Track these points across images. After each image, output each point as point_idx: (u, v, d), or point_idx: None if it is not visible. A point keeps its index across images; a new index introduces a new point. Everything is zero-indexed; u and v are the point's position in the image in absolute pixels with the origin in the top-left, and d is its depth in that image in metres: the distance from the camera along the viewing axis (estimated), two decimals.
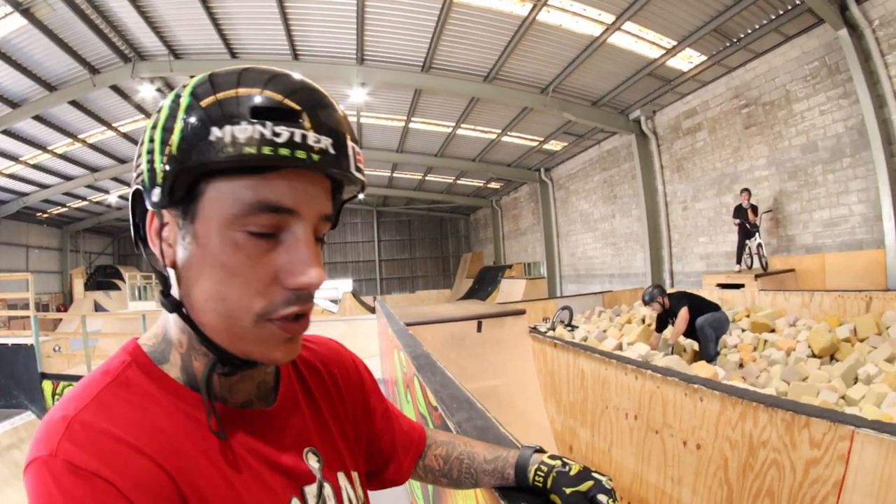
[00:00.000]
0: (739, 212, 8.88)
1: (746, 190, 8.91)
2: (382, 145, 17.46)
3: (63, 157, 16.29)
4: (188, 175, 0.54)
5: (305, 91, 0.57)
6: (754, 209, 8.77)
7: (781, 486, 2.11)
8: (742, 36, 8.82)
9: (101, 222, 26.35)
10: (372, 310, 12.61)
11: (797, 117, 8.69)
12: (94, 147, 15.87)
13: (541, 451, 0.87)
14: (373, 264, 32.12)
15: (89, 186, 19.72)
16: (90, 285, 25.35)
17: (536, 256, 21.02)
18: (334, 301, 20.81)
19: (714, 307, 5.91)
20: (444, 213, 31.55)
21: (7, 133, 13.43)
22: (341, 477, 0.72)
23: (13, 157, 15.65)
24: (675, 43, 9.35)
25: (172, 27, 10.16)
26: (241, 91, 0.55)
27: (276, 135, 0.52)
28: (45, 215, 23.48)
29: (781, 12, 8.06)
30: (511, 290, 18.26)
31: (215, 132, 0.52)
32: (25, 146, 14.87)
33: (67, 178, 18.41)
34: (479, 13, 9.16)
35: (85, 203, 23.03)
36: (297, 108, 0.54)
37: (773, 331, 6.38)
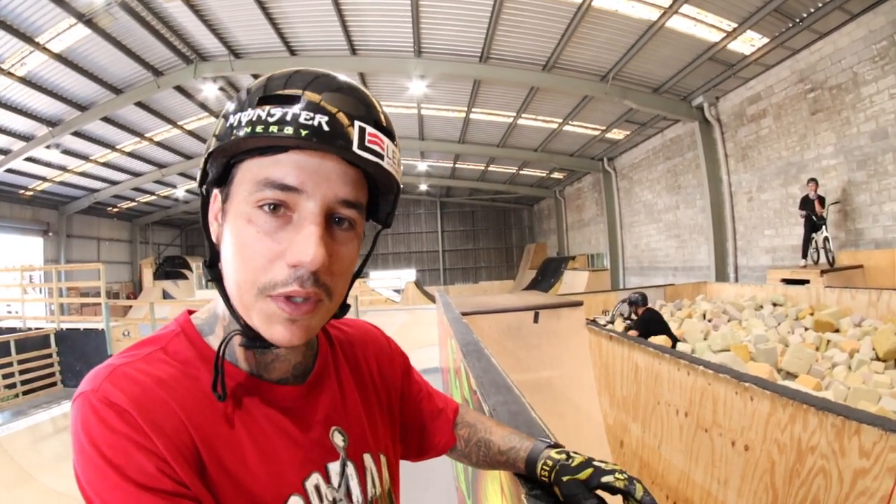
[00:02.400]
0: (806, 203, 8.41)
1: (813, 180, 8.41)
2: (444, 136, 17.55)
3: (131, 154, 17.20)
4: (218, 156, 0.62)
5: (317, 78, 0.62)
6: (821, 200, 8.29)
7: (827, 496, 2.00)
8: (805, 15, 8.31)
9: (169, 215, 27.68)
10: (434, 300, 12.80)
11: (865, 102, 8.10)
12: (160, 144, 16.70)
13: (556, 446, 0.87)
14: (436, 255, 32.39)
15: (157, 182, 20.73)
16: (159, 275, 26.63)
17: (600, 248, 20.65)
18: (397, 291, 21.12)
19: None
20: (507, 203, 31.42)
21: (77, 134, 14.35)
22: (367, 458, 0.75)
23: (84, 157, 16.65)
24: (735, 25, 8.94)
25: (231, 28, 10.52)
26: (264, 86, 0.61)
27: (271, 115, 0.57)
28: (116, 209, 24.78)
29: None
30: (574, 281, 18.17)
31: (231, 119, 0.60)
32: (95, 146, 15.79)
33: (136, 174, 19.40)
34: (534, 0, 9.05)
35: (153, 197, 24.20)
36: (298, 92, 0.59)
37: (837, 330, 6.05)
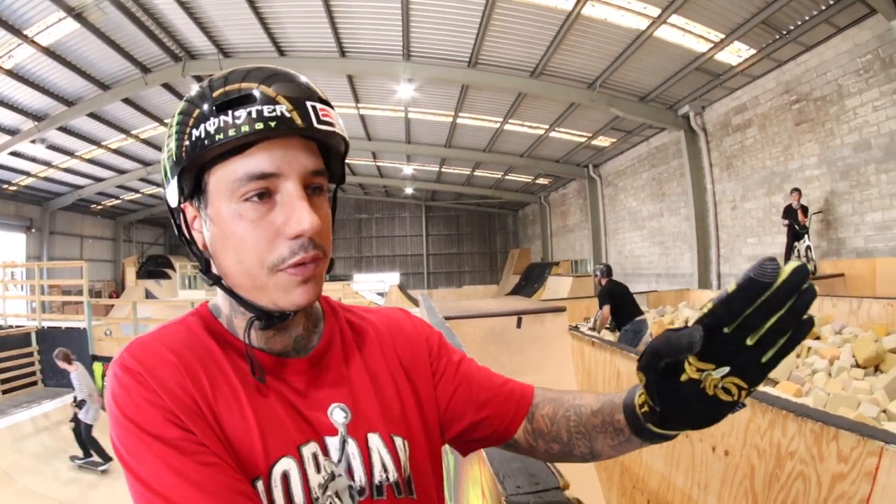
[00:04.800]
0: (789, 212, 8.53)
1: (797, 190, 8.55)
2: (430, 140, 17.56)
3: (117, 151, 17.05)
4: (189, 172, 0.67)
5: (258, 72, 0.67)
6: (804, 210, 8.41)
7: (806, 500, 2.03)
8: (792, 28, 8.46)
9: (153, 214, 27.46)
10: (418, 303, 12.72)
11: (849, 114, 8.26)
12: (146, 142, 16.54)
13: None
14: (420, 258, 32.35)
15: (142, 180, 20.57)
16: (142, 274, 26.38)
17: (584, 254, 20.78)
18: (381, 294, 21.06)
19: (636, 312, 6.73)
20: (492, 208, 31.56)
21: (63, 130, 14.21)
22: (374, 438, 0.73)
23: (69, 153, 16.46)
24: (723, 36, 9.07)
25: (221, 27, 10.49)
26: (210, 93, 0.66)
27: (237, 118, 0.62)
28: (100, 207, 24.55)
29: (832, 2, 7.65)
30: (557, 287, 18.13)
31: (194, 133, 0.64)
32: (81, 142, 15.62)
33: (121, 171, 19.24)
34: (524, 8, 9.13)
35: (138, 195, 23.98)
36: (249, 90, 0.64)
37: (818, 338, 6.14)
